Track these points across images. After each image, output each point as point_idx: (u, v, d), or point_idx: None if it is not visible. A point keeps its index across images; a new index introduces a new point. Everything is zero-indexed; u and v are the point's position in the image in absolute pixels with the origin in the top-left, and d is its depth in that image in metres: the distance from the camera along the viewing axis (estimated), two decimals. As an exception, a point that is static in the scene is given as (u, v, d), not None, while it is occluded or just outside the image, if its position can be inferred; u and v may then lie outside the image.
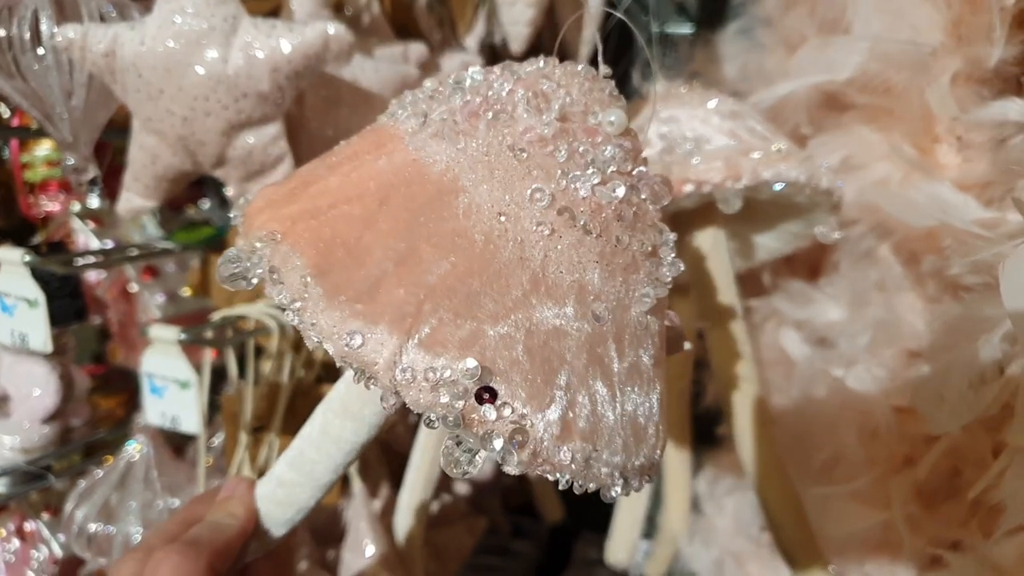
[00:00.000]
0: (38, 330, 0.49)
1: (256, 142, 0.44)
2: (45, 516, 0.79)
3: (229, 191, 0.51)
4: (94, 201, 0.81)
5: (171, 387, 0.46)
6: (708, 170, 0.42)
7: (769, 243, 0.52)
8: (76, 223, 0.78)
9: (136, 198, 0.47)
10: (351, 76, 0.51)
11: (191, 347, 0.48)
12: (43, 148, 0.86)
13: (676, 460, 0.69)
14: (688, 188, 0.42)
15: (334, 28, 0.42)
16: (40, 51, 0.47)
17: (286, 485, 0.30)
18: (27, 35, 0.46)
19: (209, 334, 0.49)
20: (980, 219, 0.41)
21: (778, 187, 0.42)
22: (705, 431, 0.68)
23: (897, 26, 0.45)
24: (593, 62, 0.28)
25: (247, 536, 0.30)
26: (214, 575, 0.27)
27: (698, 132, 0.45)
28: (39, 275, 0.50)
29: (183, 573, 0.26)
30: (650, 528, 0.71)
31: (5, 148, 0.94)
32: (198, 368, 0.50)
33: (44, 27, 0.46)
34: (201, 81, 0.43)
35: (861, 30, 0.46)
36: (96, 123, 0.50)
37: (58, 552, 0.77)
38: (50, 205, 0.86)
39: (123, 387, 0.92)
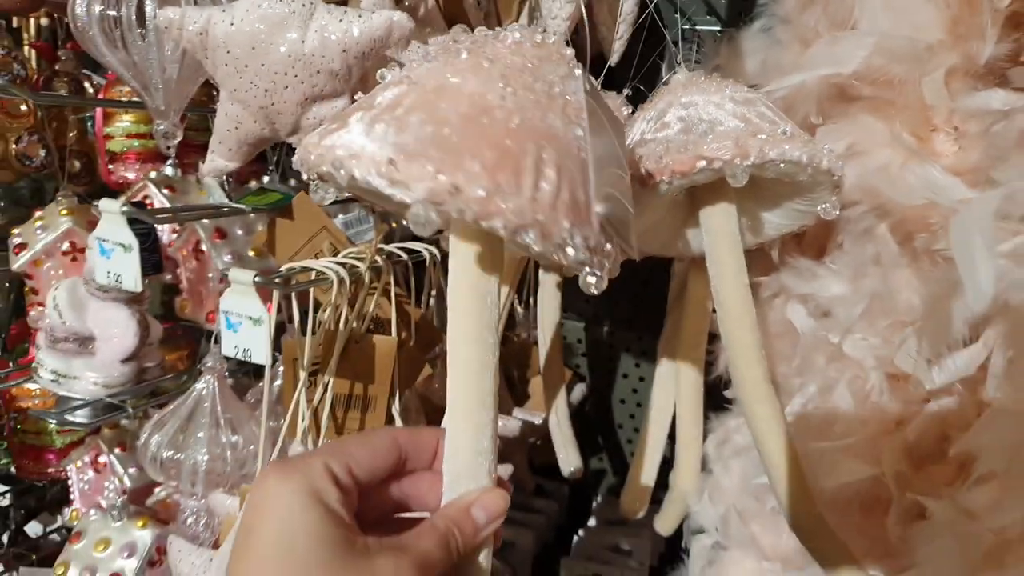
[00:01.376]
0: (130, 272, 0.57)
1: (327, 113, 0.51)
2: (117, 451, 0.89)
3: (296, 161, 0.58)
4: (168, 170, 0.89)
5: (245, 323, 0.53)
6: (719, 148, 0.48)
7: (777, 220, 0.58)
8: (152, 189, 0.86)
9: (219, 159, 0.54)
10: (408, 61, 0.57)
11: (262, 292, 0.55)
12: (124, 121, 0.95)
13: (688, 424, 0.75)
14: (701, 164, 0.48)
15: (397, 16, 0.49)
16: (142, 29, 0.55)
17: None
18: (133, 15, 0.53)
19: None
20: (965, 199, 0.46)
21: (782, 165, 0.47)
22: (716, 397, 0.74)
23: (900, 24, 0.50)
24: (626, 57, 0.36)
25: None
26: None
27: (713, 115, 0.50)
28: (132, 225, 0.57)
29: None
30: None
31: (90, 123, 1.03)
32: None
33: (148, 8, 0.53)
34: (281, 58, 0.50)
35: (867, 27, 0.51)
36: (185, 94, 0.58)
37: (128, 483, 0.87)
38: (128, 173, 0.95)
39: (185, 344, 1.01)
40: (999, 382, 0.46)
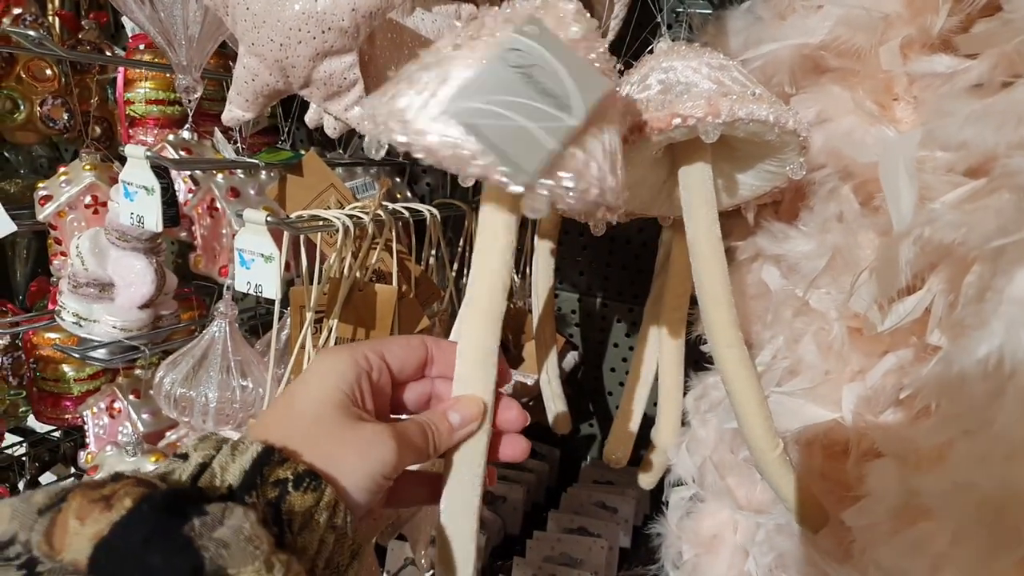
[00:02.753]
0: (152, 213, 0.62)
1: (336, 67, 0.56)
2: (131, 397, 0.94)
3: (309, 116, 0.63)
4: (185, 134, 0.94)
5: (257, 260, 0.58)
6: (694, 107, 0.53)
7: (750, 181, 0.62)
8: (170, 150, 0.91)
9: (237, 109, 0.59)
10: (412, 24, 0.62)
11: (274, 235, 0.60)
12: (144, 88, 1.00)
13: (669, 380, 0.79)
14: (676, 121, 0.52)
15: (403, -21, 0.54)
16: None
17: None
18: (161, -25, 0.58)
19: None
20: (917, 156, 0.50)
21: (750, 124, 0.52)
22: (697, 357, 0.78)
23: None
24: (620, 36, 0.41)
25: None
26: None
27: (689, 79, 0.55)
28: (155, 170, 0.62)
29: None
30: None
31: (111, 89, 1.08)
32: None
33: (176, -31, 0.58)
34: (296, 15, 0.54)
35: (834, 1, 0.56)
36: (206, 51, 0.63)
37: (141, 428, 0.92)
38: (147, 138, 1.00)
39: (198, 303, 1.06)
40: (939, 324, 0.50)
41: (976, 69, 0.46)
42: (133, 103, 1.01)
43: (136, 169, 0.60)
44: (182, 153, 0.92)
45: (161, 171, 0.63)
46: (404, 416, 0.42)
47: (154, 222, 0.62)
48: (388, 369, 0.39)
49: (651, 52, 0.62)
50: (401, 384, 0.42)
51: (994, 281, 0.41)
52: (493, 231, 0.41)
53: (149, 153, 0.60)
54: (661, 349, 0.79)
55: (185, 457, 0.31)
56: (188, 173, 0.90)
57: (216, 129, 0.93)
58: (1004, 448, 0.39)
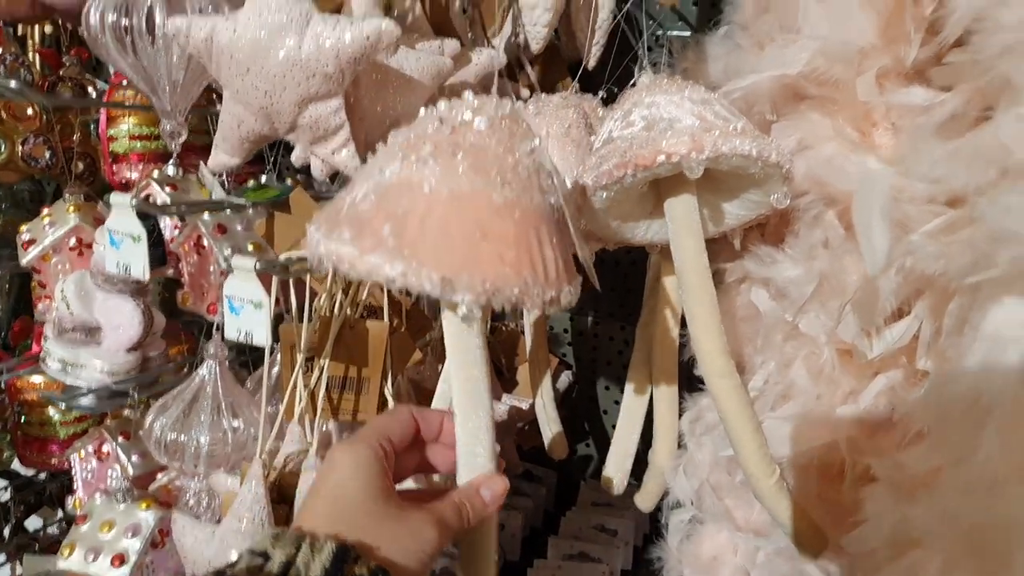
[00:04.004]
0: (139, 261, 0.62)
1: (322, 112, 0.56)
2: (121, 439, 0.92)
3: (295, 156, 0.63)
4: (170, 170, 0.94)
5: (247, 307, 0.58)
6: (678, 143, 0.53)
7: (736, 210, 0.63)
8: (155, 187, 0.90)
9: (223, 155, 0.59)
10: (397, 64, 0.62)
11: (262, 278, 0.60)
12: (127, 124, 0.99)
13: (664, 403, 0.80)
14: (661, 158, 0.53)
15: (386, 23, 0.54)
16: (151, 36, 0.60)
17: None
18: (144, 24, 0.58)
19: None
20: (895, 184, 0.51)
21: (734, 158, 0.53)
22: (691, 379, 0.78)
23: (838, 30, 0.55)
24: (602, 63, 0.43)
25: None
26: None
27: (672, 114, 0.55)
28: (141, 218, 0.62)
29: None
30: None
31: (93, 125, 1.08)
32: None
33: (158, 18, 0.58)
34: (280, 63, 0.54)
35: (810, 33, 0.57)
36: (190, 95, 0.63)
37: (131, 471, 0.91)
38: (131, 174, 0.99)
39: (186, 338, 1.05)
40: (927, 351, 0.51)
41: (951, 103, 0.47)
42: (116, 139, 1.01)
43: (122, 217, 0.60)
44: (167, 189, 0.92)
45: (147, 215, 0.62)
46: (409, 483, 0.47)
47: (141, 270, 0.62)
48: (393, 448, 0.43)
49: (634, 85, 0.63)
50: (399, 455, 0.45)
51: (971, 314, 0.42)
52: (463, 346, 0.44)
53: (134, 201, 0.59)
54: (654, 372, 0.79)
55: (265, 556, 0.34)
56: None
57: (201, 163, 0.92)
58: (987, 479, 0.39)
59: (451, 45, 0.69)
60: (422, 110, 0.55)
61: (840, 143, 0.58)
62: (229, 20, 0.56)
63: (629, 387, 0.82)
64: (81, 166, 1.08)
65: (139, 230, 0.60)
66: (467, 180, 0.39)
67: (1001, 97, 0.39)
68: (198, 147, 1.01)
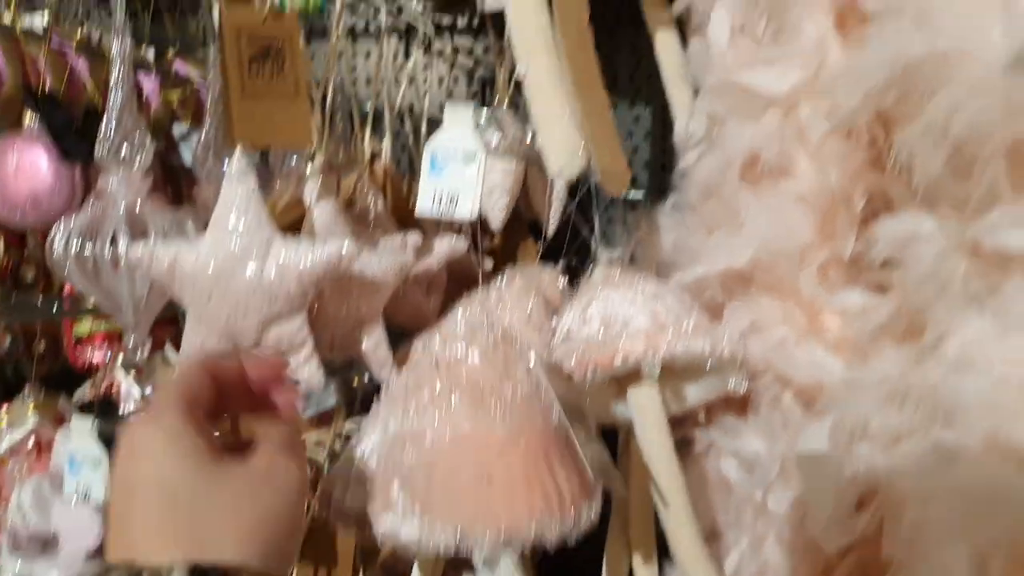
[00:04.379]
0: (98, 486, 0.60)
1: (285, 330, 0.57)
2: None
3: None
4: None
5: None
6: (633, 345, 0.55)
7: (697, 392, 0.64)
8: (120, 373, 0.90)
9: (187, 374, 0.59)
10: (359, 268, 0.64)
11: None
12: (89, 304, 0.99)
13: (643, 571, 0.78)
14: (618, 361, 0.55)
15: (346, 245, 0.56)
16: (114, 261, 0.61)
17: None
18: (107, 251, 0.59)
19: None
20: (844, 378, 0.53)
21: (686, 358, 0.54)
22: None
23: (778, 226, 0.59)
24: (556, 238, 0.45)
25: None
26: None
27: (627, 313, 0.57)
28: (102, 437, 0.61)
29: None
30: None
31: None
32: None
33: (121, 246, 0.59)
34: (242, 288, 0.56)
35: (751, 227, 0.60)
36: (153, 311, 0.63)
37: None
38: (95, 355, 0.99)
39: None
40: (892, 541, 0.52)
41: (885, 308, 0.49)
42: (79, 321, 1.00)
43: (83, 442, 0.59)
44: (132, 373, 0.91)
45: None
46: None
47: (100, 494, 0.60)
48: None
49: (590, 277, 0.65)
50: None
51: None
52: None
53: (98, 427, 0.59)
54: (632, 542, 0.78)
55: None
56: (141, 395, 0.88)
57: (167, 341, 0.92)
58: None
59: (414, 239, 0.71)
60: (419, 346, 0.56)
61: (790, 327, 0.60)
62: (192, 246, 0.57)
63: (608, 556, 0.80)
64: (43, 346, 1.07)
65: (99, 453, 0.59)
66: (467, 419, 0.41)
67: (927, 326, 0.42)
68: (163, 320, 1.01)
